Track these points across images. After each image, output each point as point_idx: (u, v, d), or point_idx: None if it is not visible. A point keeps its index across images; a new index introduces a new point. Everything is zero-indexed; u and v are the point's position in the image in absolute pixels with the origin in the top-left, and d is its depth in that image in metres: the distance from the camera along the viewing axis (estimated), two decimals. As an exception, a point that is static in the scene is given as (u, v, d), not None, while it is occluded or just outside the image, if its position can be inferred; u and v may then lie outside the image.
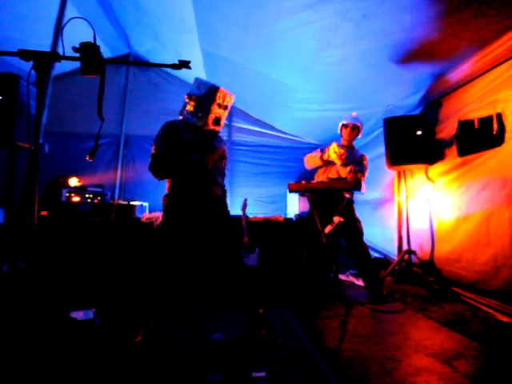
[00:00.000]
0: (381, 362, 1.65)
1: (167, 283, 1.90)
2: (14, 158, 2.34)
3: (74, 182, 3.48)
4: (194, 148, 1.86)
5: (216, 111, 1.88)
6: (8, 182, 2.34)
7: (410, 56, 2.52)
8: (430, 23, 2.16)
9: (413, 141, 2.93)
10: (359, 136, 2.95)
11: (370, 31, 2.38)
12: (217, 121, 1.90)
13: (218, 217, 1.96)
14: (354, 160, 2.82)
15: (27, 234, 2.29)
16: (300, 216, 3.52)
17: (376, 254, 3.79)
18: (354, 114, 2.92)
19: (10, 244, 2.28)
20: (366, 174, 2.83)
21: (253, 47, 3.04)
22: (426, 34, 2.27)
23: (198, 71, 3.59)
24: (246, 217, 2.98)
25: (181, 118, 1.95)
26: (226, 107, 1.92)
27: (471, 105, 2.56)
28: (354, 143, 2.98)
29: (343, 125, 2.90)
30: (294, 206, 4.10)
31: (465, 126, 2.64)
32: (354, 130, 2.87)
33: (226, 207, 2.04)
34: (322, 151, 2.83)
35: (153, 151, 1.87)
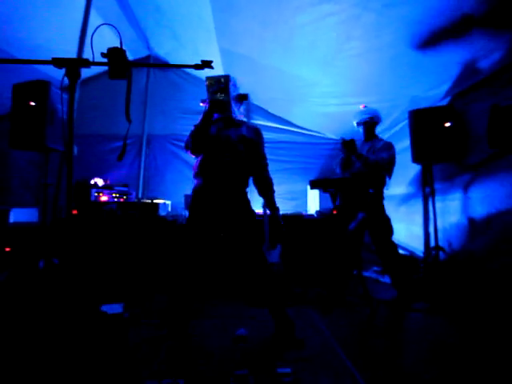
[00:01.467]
0: (409, 363, 1.61)
1: (193, 276, 1.95)
2: (47, 161, 2.46)
3: (100, 182, 3.63)
4: (208, 141, 1.96)
5: (212, 98, 1.92)
6: (42, 183, 2.47)
7: (436, 44, 2.40)
8: (458, 8, 2.05)
9: (440, 133, 2.79)
10: (378, 124, 2.89)
11: (393, 20, 2.29)
12: (212, 107, 1.92)
13: (237, 211, 1.96)
14: (376, 149, 2.74)
15: (60, 232, 2.42)
16: (321, 213, 3.47)
17: (401, 252, 3.67)
18: (361, 106, 2.86)
19: (45, 241, 2.41)
20: (392, 163, 2.69)
21: (271, 43, 3.01)
22: (454, 20, 2.16)
23: (216, 69, 3.60)
24: (268, 214, 2.98)
25: None
26: (220, 89, 1.91)
27: (506, 91, 2.41)
28: (378, 134, 2.92)
29: (357, 123, 2.89)
30: (315, 202, 4.05)
31: (498, 114, 2.48)
32: (367, 124, 2.83)
33: (246, 201, 2.02)
34: (336, 164, 2.89)
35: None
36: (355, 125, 2.91)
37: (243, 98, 2.03)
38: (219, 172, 1.94)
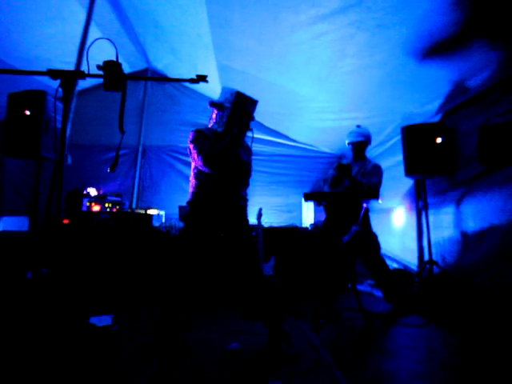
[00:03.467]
0: (405, 379, 1.58)
1: (187, 287, 1.91)
2: (40, 170, 2.45)
3: (93, 192, 3.60)
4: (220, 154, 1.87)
5: (236, 116, 1.86)
6: (33, 191, 2.45)
7: (427, 63, 2.48)
8: (449, 29, 2.13)
9: (432, 149, 2.86)
10: (369, 146, 2.96)
11: (386, 40, 2.37)
12: (239, 126, 1.84)
13: (237, 225, 1.96)
14: (366, 172, 2.79)
15: (50, 241, 2.38)
16: (316, 225, 3.47)
17: (395, 265, 3.67)
18: (357, 127, 2.94)
19: (34, 251, 2.37)
20: (380, 185, 2.77)
21: (267, 60, 3.09)
22: (445, 40, 2.24)
23: (214, 84, 3.67)
24: (261, 226, 2.97)
25: (209, 126, 2.02)
26: (248, 112, 1.88)
27: (494, 109, 2.48)
28: (367, 154, 2.97)
29: (348, 143, 2.94)
30: (310, 215, 4.06)
31: (487, 131, 2.55)
32: (360, 145, 2.88)
33: (246, 217, 2.04)
34: (325, 181, 2.91)
35: (197, 152, 1.86)
36: (347, 144, 2.98)
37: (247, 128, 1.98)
38: (231, 192, 1.95)
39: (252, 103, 1.90)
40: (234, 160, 1.91)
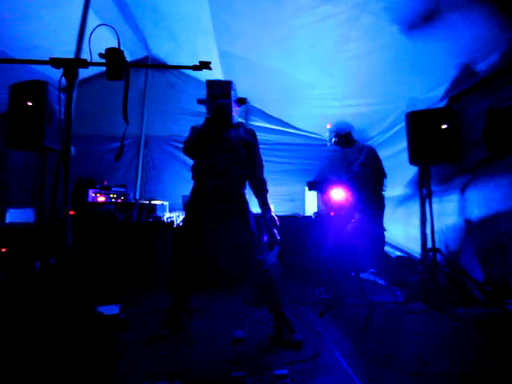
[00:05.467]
0: (405, 364, 1.61)
1: (188, 276, 1.94)
2: (44, 161, 2.45)
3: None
4: (206, 139, 1.94)
5: (213, 102, 1.92)
6: (38, 183, 2.46)
7: (433, 46, 2.42)
8: (456, 10, 2.06)
9: (438, 135, 2.81)
10: (351, 133, 2.98)
11: (391, 23, 2.30)
12: (217, 112, 1.92)
13: (236, 214, 1.95)
14: (351, 162, 2.85)
15: (57, 232, 2.41)
16: (319, 214, 3.48)
17: (398, 253, 3.68)
18: (328, 126, 3.02)
19: (42, 242, 2.40)
20: (367, 164, 2.77)
21: (270, 44, 3.02)
22: (452, 23, 2.17)
23: (215, 70, 3.61)
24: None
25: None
26: (223, 95, 1.91)
27: (501, 93, 2.42)
28: (356, 139, 3.01)
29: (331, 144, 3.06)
30: (313, 203, 4.06)
31: (495, 115, 2.50)
32: (338, 142, 2.96)
33: (246, 203, 2.00)
34: None
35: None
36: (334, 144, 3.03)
37: (242, 102, 2.03)
38: (221, 175, 1.92)
39: (226, 85, 1.93)
40: (217, 143, 1.94)
